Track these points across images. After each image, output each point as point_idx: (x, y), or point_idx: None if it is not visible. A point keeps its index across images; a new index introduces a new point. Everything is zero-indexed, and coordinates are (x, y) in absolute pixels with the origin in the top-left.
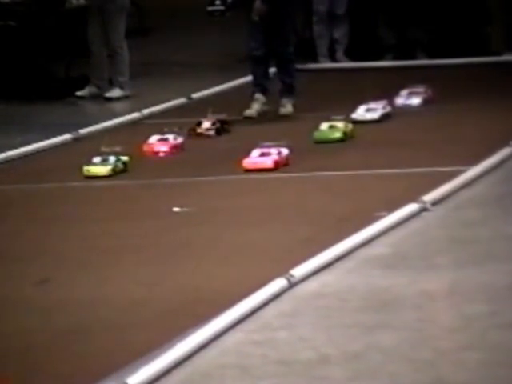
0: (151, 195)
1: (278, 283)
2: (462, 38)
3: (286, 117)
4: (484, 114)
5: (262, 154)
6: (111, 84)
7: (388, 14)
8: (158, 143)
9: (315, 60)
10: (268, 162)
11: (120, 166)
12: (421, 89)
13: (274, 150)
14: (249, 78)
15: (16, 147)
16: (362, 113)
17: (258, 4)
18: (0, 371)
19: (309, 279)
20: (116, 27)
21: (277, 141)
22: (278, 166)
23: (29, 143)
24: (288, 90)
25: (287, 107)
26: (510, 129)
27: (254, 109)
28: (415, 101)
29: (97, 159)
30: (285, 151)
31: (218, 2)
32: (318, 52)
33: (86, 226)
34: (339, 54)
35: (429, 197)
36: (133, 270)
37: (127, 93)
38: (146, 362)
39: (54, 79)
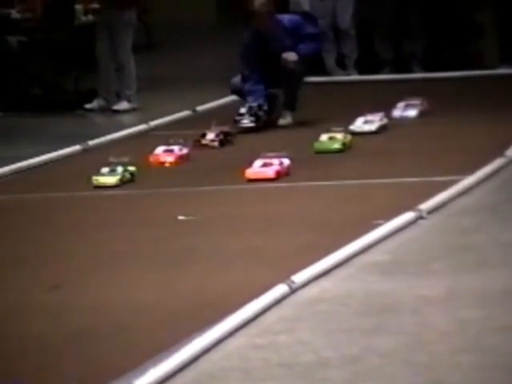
0: (157, 204)
1: (280, 289)
2: (457, 52)
3: (287, 128)
4: (478, 125)
5: (264, 165)
6: (119, 97)
7: (384, 30)
8: (163, 154)
9: (324, 73)
10: (270, 172)
11: (127, 175)
12: (417, 101)
13: (275, 161)
14: None
15: (28, 158)
16: (360, 124)
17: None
18: (13, 373)
19: (309, 285)
20: (123, 42)
21: (278, 151)
22: (280, 175)
23: (40, 154)
24: (290, 102)
25: (287, 118)
26: (503, 140)
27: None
28: (411, 113)
29: (105, 169)
30: (286, 161)
31: (246, 121)
32: (326, 64)
33: (95, 233)
34: (349, 66)
35: (425, 205)
36: (140, 275)
37: (134, 105)
38: (153, 365)
39: (63, 92)
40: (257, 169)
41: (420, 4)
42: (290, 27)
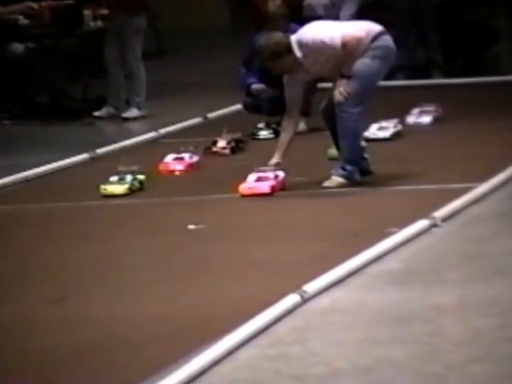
0: (167, 213)
1: (291, 299)
2: (471, 58)
3: (300, 135)
4: (492, 132)
5: (259, 179)
6: (128, 104)
7: (398, 35)
8: (173, 162)
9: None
10: (265, 187)
11: (136, 184)
12: (431, 107)
13: (270, 174)
14: None
15: (35, 167)
16: (374, 131)
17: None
18: None
19: (321, 295)
20: (133, 49)
21: (293, 158)
22: (275, 190)
23: (48, 163)
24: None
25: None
26: None
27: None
28: (426, 119)
29: (114, 178)
30: (281, 174)
31: (265, 132)
32: None
33: (103, 243)
34: None
35: (439, 213)
36: (149, 286)
37: (144, 113)
38: (162, 378)
39: (72, 100)
40: (251, 184)
41: (435, 9)
42: None
